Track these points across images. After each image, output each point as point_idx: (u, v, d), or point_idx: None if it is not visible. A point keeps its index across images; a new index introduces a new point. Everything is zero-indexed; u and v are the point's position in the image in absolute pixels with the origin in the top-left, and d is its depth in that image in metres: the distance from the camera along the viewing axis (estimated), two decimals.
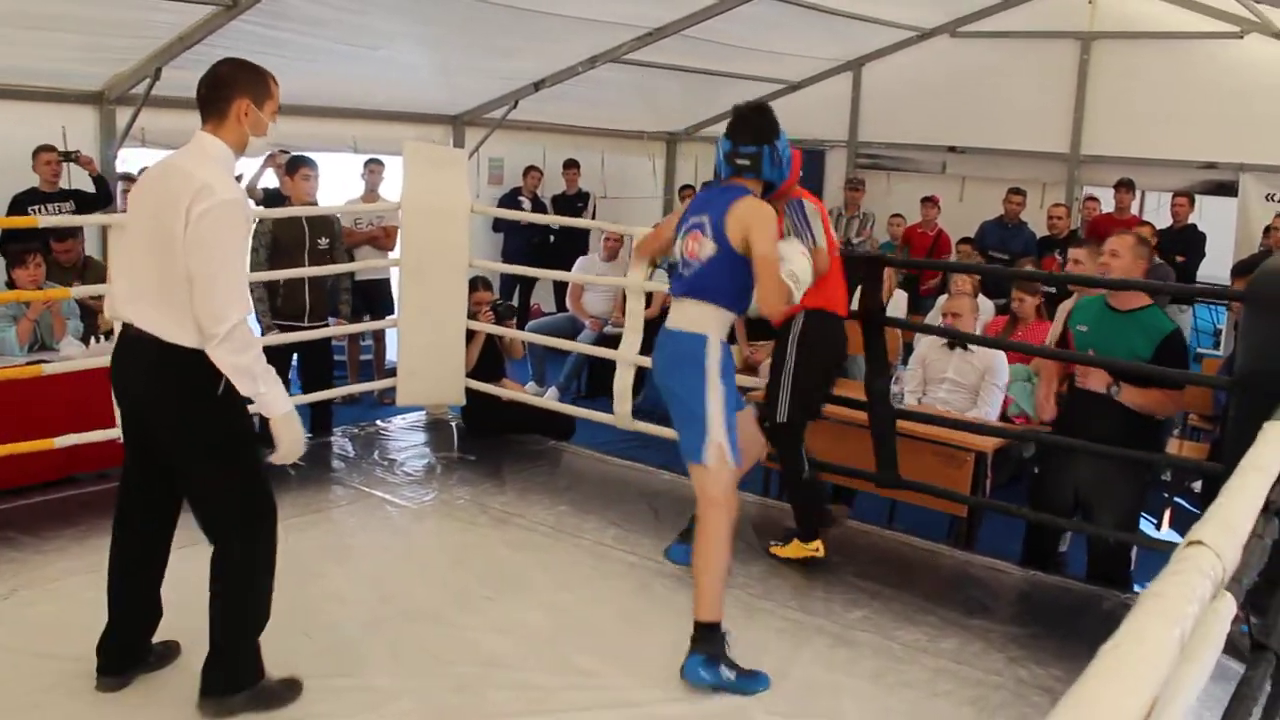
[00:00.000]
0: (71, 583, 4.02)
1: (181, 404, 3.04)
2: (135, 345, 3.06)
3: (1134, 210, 9.34)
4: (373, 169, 8.36)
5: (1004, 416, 5.78)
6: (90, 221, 6.74)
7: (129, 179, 7.96)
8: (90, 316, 6.29)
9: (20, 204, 6.63)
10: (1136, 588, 4.83)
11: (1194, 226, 8.72)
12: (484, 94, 9.57)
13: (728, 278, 3.58)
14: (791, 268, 3.66)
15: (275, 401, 3.05)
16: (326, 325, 6.53)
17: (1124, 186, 8.97)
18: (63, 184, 6.88)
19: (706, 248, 3.59)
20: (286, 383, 6.48)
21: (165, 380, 3.03)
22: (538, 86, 9.51)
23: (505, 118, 9.89)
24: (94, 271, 6.43)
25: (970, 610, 4.14)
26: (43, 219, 5.88)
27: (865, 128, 11.53)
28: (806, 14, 9.12)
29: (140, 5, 6.38)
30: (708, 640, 3.47)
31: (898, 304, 7.52)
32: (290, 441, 3.10)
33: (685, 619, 3.90)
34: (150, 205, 3.03)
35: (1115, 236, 4.62)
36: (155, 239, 2.98)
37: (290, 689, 3.27)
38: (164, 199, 2.95)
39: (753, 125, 3.66)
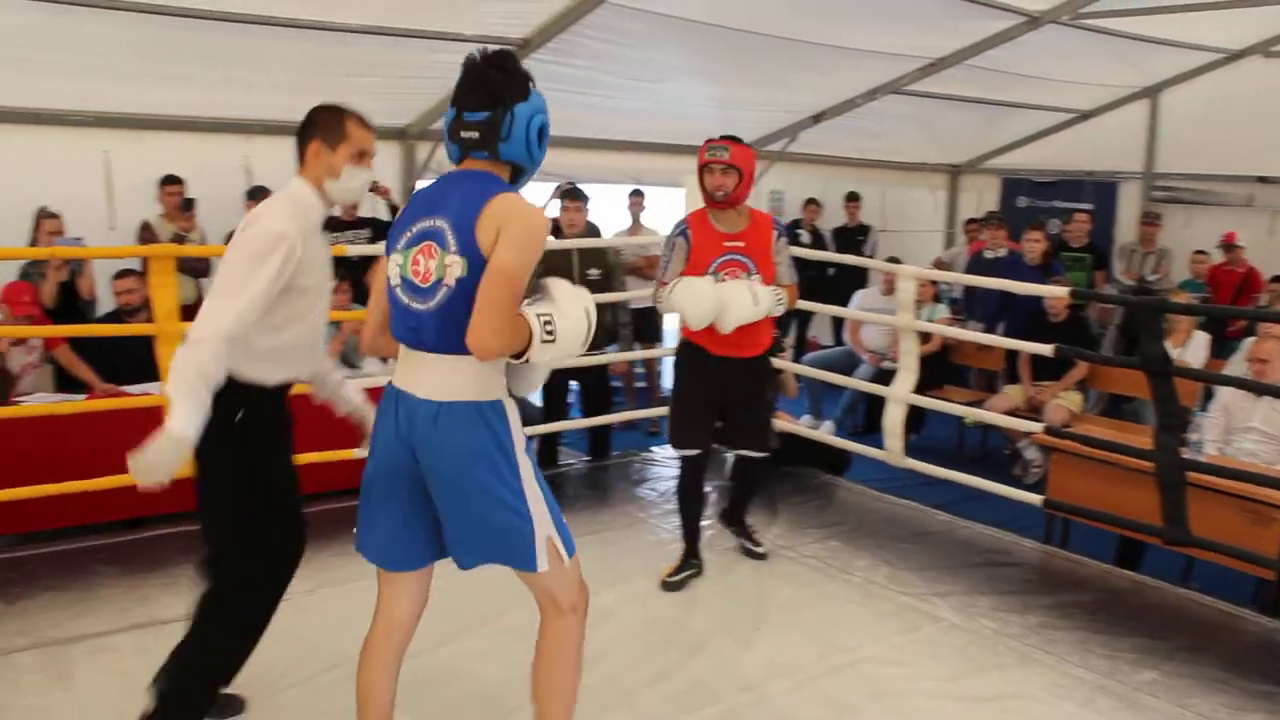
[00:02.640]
0: (362, 585, 4.30)
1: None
2: None
3: None
4: (634, 200, 8.57)
5: None
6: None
7: None
8: None
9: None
10: None
11: None
12: (763, 126, 9.64)
13: None
14: (551, 314, 2.56)
15: (175, 418, 2.66)
16: (604, 354, 6.70)
17: None
18: (360, 212, 7.48)
19: (453, 266, 2.51)
20: (566, 406, 6.69)
21: None
22: (817, 119, 9.50)
23: (785, 150, 9.93)
24: None
25: (1279, 684, 3.80)
26: (351, 248, 6.33)
27: (1163, 158, 10.85)
28: (1099, 39, 8.70)
29: (439, 48, 6.82)
30: None
31: (1198, 347, 7.03)
32: (150, 454, 2.62)
33: (956, 666, 3.80)
34: None
35: None
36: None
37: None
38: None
39: (486, 82, 2.60)
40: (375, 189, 7.44)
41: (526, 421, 4.01)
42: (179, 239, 6.48)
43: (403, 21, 6.45)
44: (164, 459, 2.65)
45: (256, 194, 7.12)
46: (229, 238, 7.13)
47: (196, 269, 6.91)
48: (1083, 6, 7.76)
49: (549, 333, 2.53)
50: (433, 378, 2.58)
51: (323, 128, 3.06)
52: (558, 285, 2.64)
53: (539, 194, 8.78)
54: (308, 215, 3.01)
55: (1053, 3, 7.77)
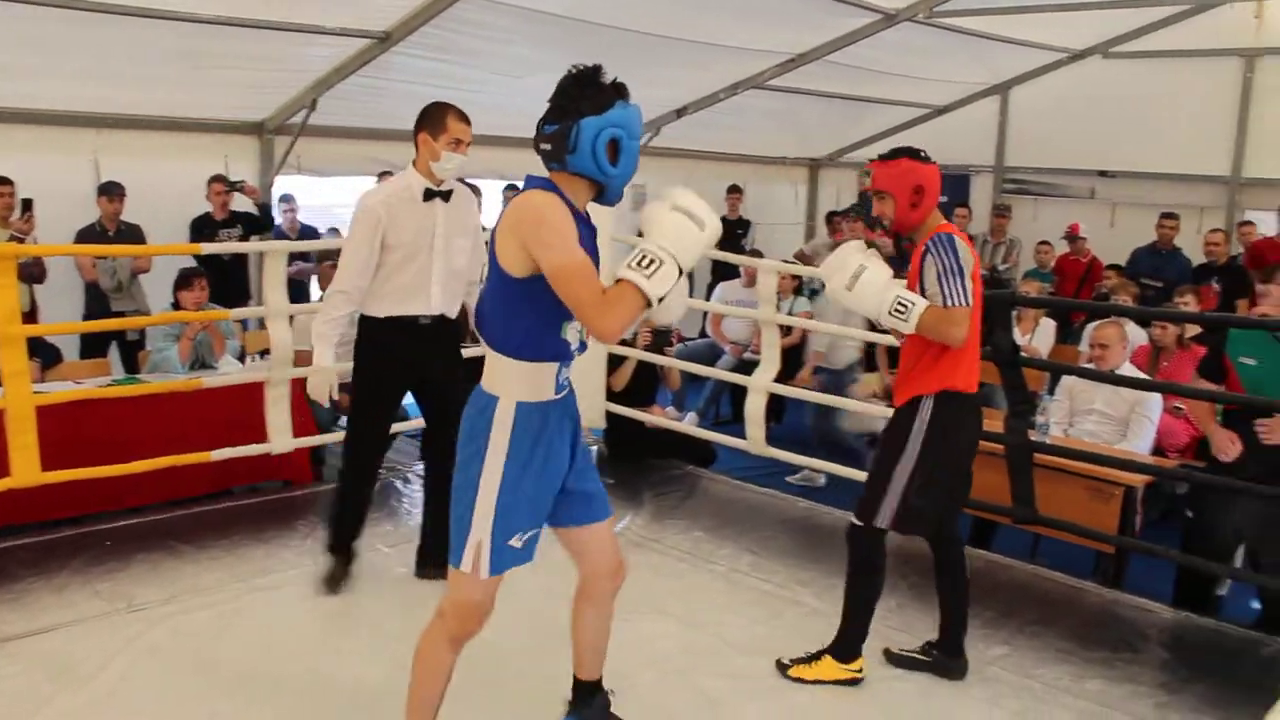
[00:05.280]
0: (225, 592, 4.21)
1: None
2: None
3: None
4: (509, 195, 8.54)
5: (1157, 450, 5.57)
6: (249, 249, 7.08)
7: (287, 200, 8.43)
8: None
9: (197, 228, 7.10)
10: None
11: None
12: None
13: (504, 310, 2.68)
14: (643, 249, 2.54)
15: (316, 355, 4.08)
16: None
17: None
18: (232, 209, 7.36)
19: (486, 266, 2.76)
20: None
21: None
22: (680, 113, 9.58)
23: (648, 144, 9.98)
24: None
25: (1117, 650, 3.99)
26: (206, 246, 6.14)
27: (1012, 152, 11.28)
28: (953, 38, 8.99)
29: (299, 40, 6.68)
30: None
31: (1045, 333, 7.31)
32: (310, 383, 4.14)
33: (817, 647, 3.88)
34: None
35: None
36: None
37: (336, 577, 4.27)
38: None
39: (560, 96, 2.65)
40: (243, 189, 7.29)
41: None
42: (17, 240, 6.08)
43: (261, 13, 6.29)
44: (315, 383, 4.09)
45: (108, 189, 6.87)
46: (79, 235, 6.82)
47: (32, 274, 6.48)
48: (936, 5, 8.00)
49: (648, 265, 2.51)
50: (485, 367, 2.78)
51: (425, 121, 3.98)
52: (648, 213, 2.62)
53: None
54: (402, 191, 4.00)
55: (907, 1, 7.98)
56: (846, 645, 3.66)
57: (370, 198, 4.02)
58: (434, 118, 3.98)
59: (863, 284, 3.43)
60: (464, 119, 4.01)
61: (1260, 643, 4.08)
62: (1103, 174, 10.47)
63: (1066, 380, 5.81)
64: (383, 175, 8.39)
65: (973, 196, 11.33)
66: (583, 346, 2.78)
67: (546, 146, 2.63)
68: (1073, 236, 9.31)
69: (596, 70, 2.65)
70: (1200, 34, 9.44)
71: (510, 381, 2.69)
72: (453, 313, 4.22)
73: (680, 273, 2.55)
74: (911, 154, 3.52)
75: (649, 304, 2.53)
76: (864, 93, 10.23)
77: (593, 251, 2.64)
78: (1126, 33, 9.92)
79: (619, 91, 2.64)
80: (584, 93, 2.61)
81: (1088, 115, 10.27)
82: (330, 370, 4.09)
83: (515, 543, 2.73)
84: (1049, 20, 8.82)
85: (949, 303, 3.34)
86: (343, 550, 4.34)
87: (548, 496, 2.80)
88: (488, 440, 2.68)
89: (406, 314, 4.08)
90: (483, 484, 2.69)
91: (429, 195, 4.03)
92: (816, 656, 3.68)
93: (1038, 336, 7.23)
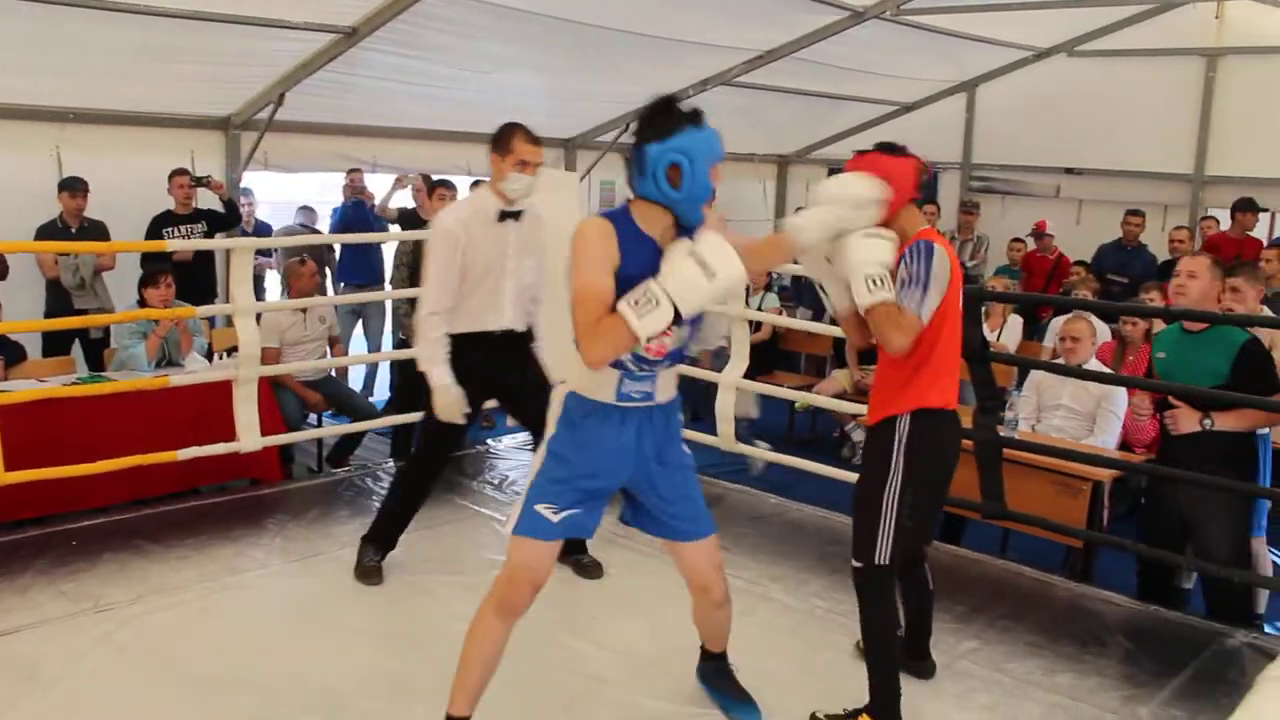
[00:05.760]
0: (193, 591, 4.17)
1: None
2: None
3: (1261, 234, 8.96)
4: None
5: (1123, 445, 5.62)
6: (215, 245, 7.02)
7: (245, 195, 8.38)
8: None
9: (157, 225, 7.03)
10: (1269, 629, 4.65)
11: None
12: (596, 118, 9.67)
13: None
14: (648, 286, 2.68)
15: (430, 375, 4.02)
16: None
17: (1243, 208, 8.61)
18: (196, 205, 7.29)
19: None
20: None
21: None
22: None
23: (617, 141, 9.98)
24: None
25: (1085, 644, 4.02)
26: (171, 243, 6.07)
27: (979, 150, 11.34)
28: (920, 35, 9.03)
29: (265, 35, 6.62)
30: None
31: (1013, 329, 7.36)
32: (439, 405, 4.04)
33: (790, 643, 3.90)
34: None
35: (1189, 258, 4.50)
36: None
37: (373, 573, 4.32)
38: None
39: (639, 125, 2.83)
40: (208, 184, 7.24)
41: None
42: None
43: (227, 7, 6.23)
44: (442, 402, 4.02)
45: (71, 185, 6.78)
46: (40, 231, 6.75)
47: None
48: (903, 3, 8.04)
49: (643, 305, 2.65)
50: None
51: (495, 142, 4.05)
52: (669, 252, 2.76)
53: (380, 184, 8.65)
54: (477, 211, 4.09)
55: None
56: (883, 706, 3.29)
57: (447, 219, 4.10)
58: (502, 139, 4.04)
59: (868, 240, 3.11)
60: (532, 140, 4.07)
61: (1224, 635, 4.11)
62: (1069, 171, 10.56)
63: (1034, 375, 5.86)
64: (351, 172, 8.39)
65: (940, 194, 11.39)
66: (678, 355, 2.92)
67: (628, 174, 2.83)
68: (1039, 233, 9.39)
69: (670, 99, 2.81)
70: (1163, 33, 9.56)
71: (569, 371, 2.93)
72: (521, 327, 4.29)
73: (677, 317, 2.68)
74: (884, 148, 3.29)
75: (636, 340, 2.69)
76: (832, 90, 10.27)
77: (648, 272, 2.72)
78: (1091, 31, 10.02)
79: (690, 118, 2.79)
80: (653, 121, 2.78)
81: (1053, 113, 10.36)
82: (453, 387, 4.04)
83: (544, 511, 2.92)
84: (1014, 18, 8.88)
85: (907, 307, 3.13)
86: (388, 544, 4.43)
87: (583, 484, 2.95)
88: (548, 422, 2.99)
89: (480, 330, 4.17)
90: (536, 458, 3.01)
91: (502, 216, 4.09)
92: (852, 715, 3.33)
93: (1006, 333, 7.28)
